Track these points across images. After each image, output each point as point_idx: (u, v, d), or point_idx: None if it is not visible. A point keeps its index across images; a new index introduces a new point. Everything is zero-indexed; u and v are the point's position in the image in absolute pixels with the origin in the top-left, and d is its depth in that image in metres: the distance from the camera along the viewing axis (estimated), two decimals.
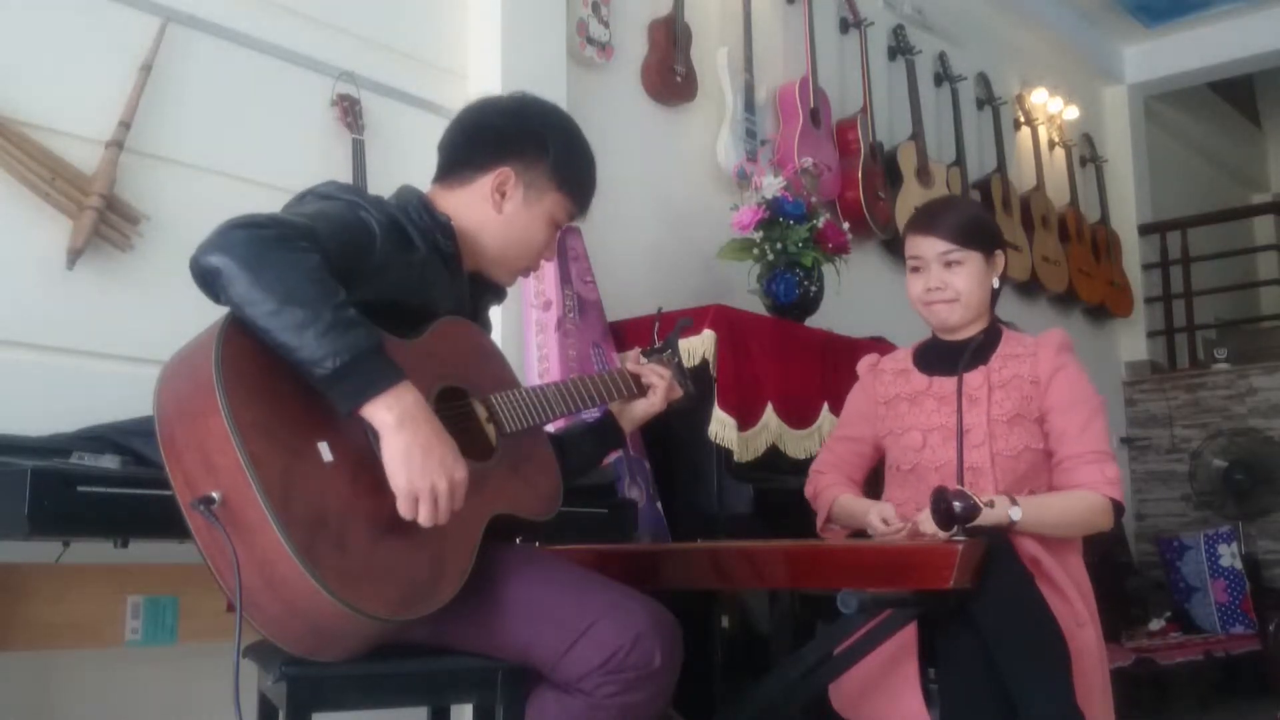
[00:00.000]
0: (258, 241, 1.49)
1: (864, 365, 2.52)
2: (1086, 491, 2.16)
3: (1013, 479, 2.20)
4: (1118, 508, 2.16)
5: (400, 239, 1.72)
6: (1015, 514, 2.03)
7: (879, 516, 2.19)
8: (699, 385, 3.04)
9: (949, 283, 2.30)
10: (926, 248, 2.31)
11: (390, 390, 1.51)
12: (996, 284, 2.35)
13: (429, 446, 1.53)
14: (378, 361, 1.51)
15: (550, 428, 1.97)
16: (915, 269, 2.34)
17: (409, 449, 1.51)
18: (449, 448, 1.56)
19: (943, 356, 2.36)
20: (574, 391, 1.92)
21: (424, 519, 1.53)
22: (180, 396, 1.51)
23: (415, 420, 1.52)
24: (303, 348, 1.47)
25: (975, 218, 2.36)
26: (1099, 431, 2.22)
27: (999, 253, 2.35)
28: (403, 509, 1.52)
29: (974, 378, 2.28)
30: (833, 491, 2.39)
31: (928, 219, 2.34)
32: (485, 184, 1.84)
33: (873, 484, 2.49)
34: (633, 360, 2.08)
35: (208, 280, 1.50)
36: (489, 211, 1.84)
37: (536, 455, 1.86)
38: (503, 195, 1.84)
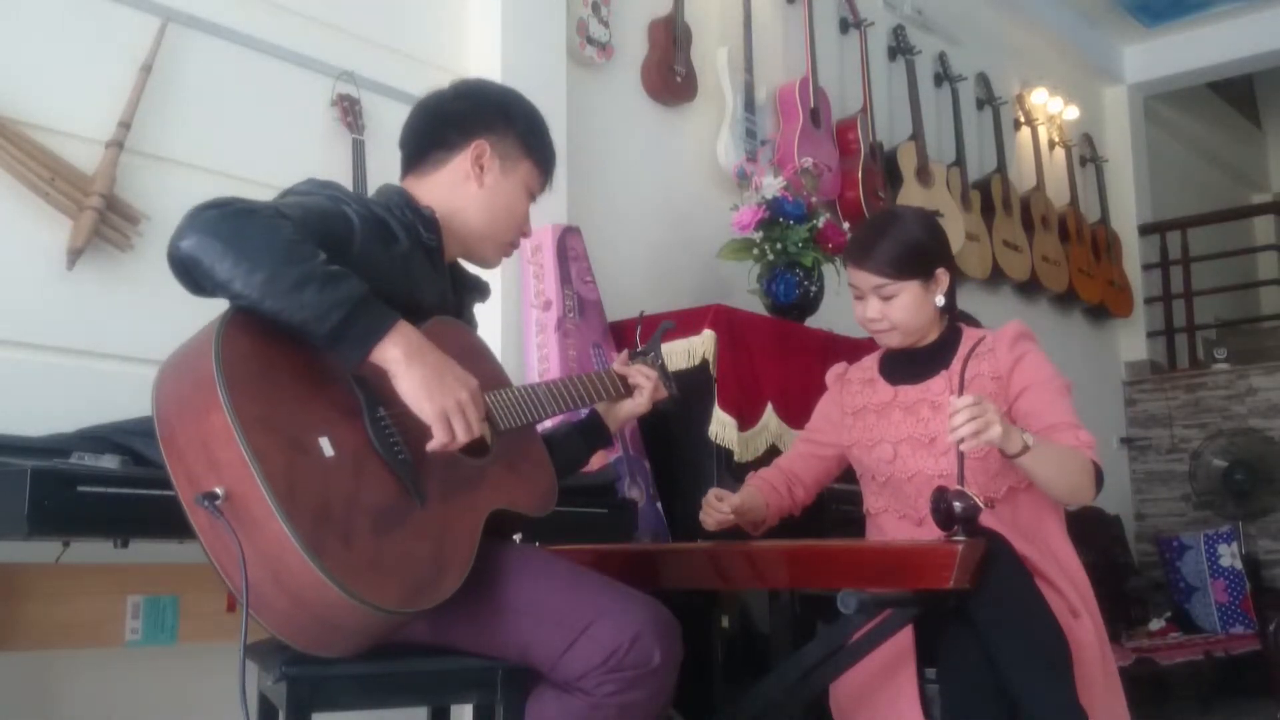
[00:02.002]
0: (230, 217, 1.51)
1: (832, 375, 2.54)
2: (1076, 451, 2.15)
3: (985, 479, 2.19)
4: (1099, 476, 2.15)
5: (382, 233, 1.73)
6: (1030, 439, 2.01)
7: (713, 494, 2.30)
8: (700, 385, 3.06)
9: (885, 314, 2.29)
10: (861, 280, 2.30)
11: (394, 329, 1.55)
12: (940, 301, 2.32)
13: (441, 369, 1.59)
14: (375, 305, 1.55)
15: (540, 427, 1.98)
16: (856, 296, 2.34)
17: (425, 377, 1.56)
18: (455, 365, 1.62)
19: (906, 365, 2.36)
20: (564, 391, 1.94)
21: (461, 435, 1.59)
22: (180, 394, 1.51)
23: (421, 350, 1.58)
24: (303, 308, 1.49)
25: (909, 245, 2.28)
26: (1068, 406, 2.22)
27: (940, 271, 2.31)
28: (438, 434, 1.57)
29: (936, 384, 2.28)
30: (748, 486, 2.43)
31: (861, 250, 2.31)
32: (463, 160, 1.87)
33: (843, 479, 2.54)
34: (620, 362, 2.11)
35: (188, 269, 1.51)
36: (470, 188, 1.87)
37: (531, 452, 1.87)
38: (482, 168, 1.87)
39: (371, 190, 1.91)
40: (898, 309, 2.28)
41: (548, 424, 2.08)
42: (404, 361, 1.55)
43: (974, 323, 2.44)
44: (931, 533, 1.96)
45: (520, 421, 1.82)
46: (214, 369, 1.45)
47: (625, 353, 2.14)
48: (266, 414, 1.48)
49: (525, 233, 1.98)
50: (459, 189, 1.87)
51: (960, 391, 2.01)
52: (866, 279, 2.29)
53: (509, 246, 1.97)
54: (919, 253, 2.29)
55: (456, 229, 1.87)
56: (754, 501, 2.37)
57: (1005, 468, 2.18)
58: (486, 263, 1.97)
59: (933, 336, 2.35)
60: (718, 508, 2.27)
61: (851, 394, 2.43)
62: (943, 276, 2.32)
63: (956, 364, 2.26)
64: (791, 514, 2.49)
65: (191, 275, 1.51)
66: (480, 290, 2.03)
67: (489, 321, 2.10)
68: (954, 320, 2.39)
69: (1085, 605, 2.11)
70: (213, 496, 1.42)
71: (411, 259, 1.77)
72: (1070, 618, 2.03)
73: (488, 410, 1.76)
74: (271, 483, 1.41)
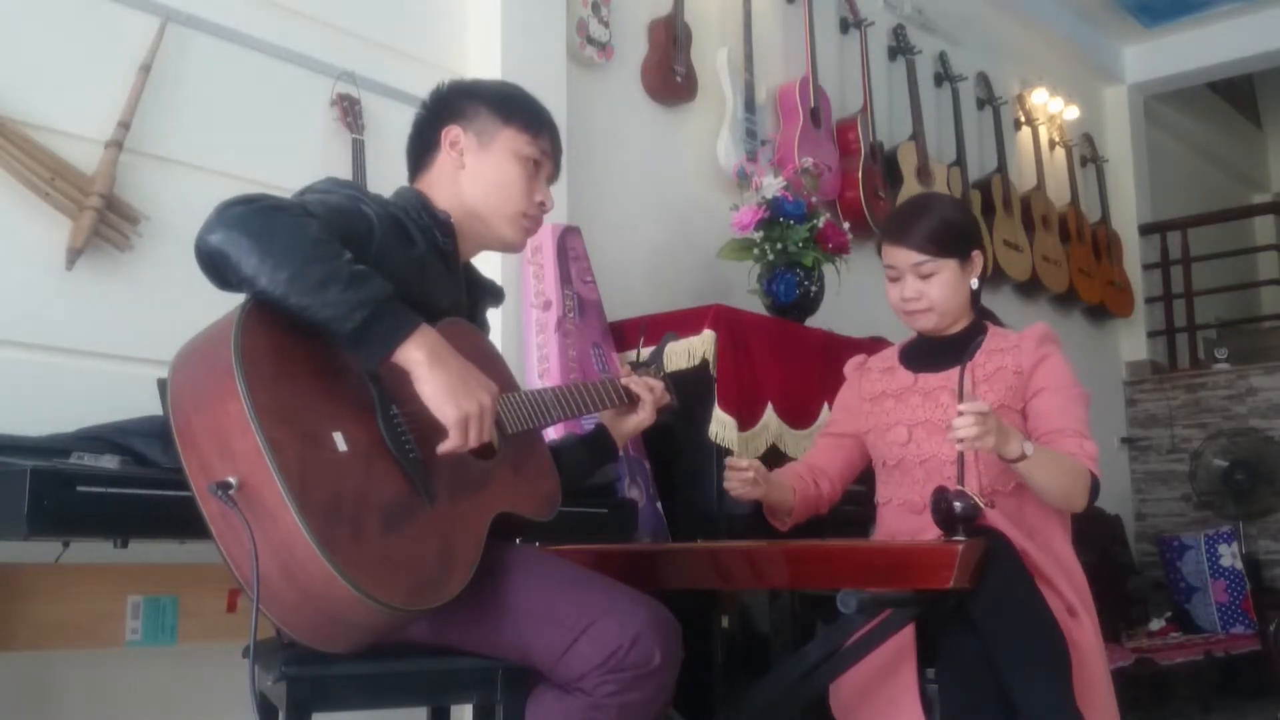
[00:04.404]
0: (258, 213, 1.51)
1: (851, 365, 2.54)
2: (1075, 459, 2.15)
3: (996, 471, 2.20)
4: (1095, 487, 2.16)
5: (400, 234, 1.74)
6: (1029, 448, 2.03)
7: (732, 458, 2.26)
8: (700, 385, 3.06)
9: (924, 293, 2.30)
10: (900, 258, 2.30)
11: (417, 331, 1.56)
12: (975, 284, 2.34)
13: (463, 374, 1.59)
14: (398, 307, 1.56)
15: (548, 436, 1.98)
16: (892, 278, 2.34)
17: (449, 382, 1.57)
18: (475, 369, 1.63)
19: (928, 354, 2.37)
20: (569, 397, 1.95)
21: (474, 440, 1.59)
22: (196, 382, 1.51)
23: (443, 355, 1.58)
24: (327, 306, 1.49)
25: (948, 223, 2.30)
26: (1080, 414, 2.23)
27: (976, 253, 2.34)
28: (455, 438, 1.57)
29: (958, 373, 2.28)
30: (772, 475, 2.40)
31: (899, 228, 2.32)
32: (443, 153, 1.89)
33: (865, 483, 2.51)
34: (623, 374, 2.11)
35: (215, 263, 1.51)
36: (457, 173, 1.88)
37: (536, 457, 1.87)
38: (460, 151, 1.88)
39: (379, 190, 1.91)
40: (936, 287, 2.29)
41: (551, 434, 2.08)
42: (427, 364, 1.55)
43: (998, 321, 2.45)
44: (928, 520, 1.97)
45: (527, 426, 1.83)
46: (233, 358, 1.45)
47: (628, 365, 2.15)
48: (283, 406, 1.48)
49: (543, 202, 1.92)
50: (451, 180, 1.88)
51: (962, 394, 2.02)
52: (906, 256, 2.29)
53: (522, 218, 1.91)
54: (957, 232, 2.31)
55: (463, 220, 1.88)
56: (778, 482, 2.34)
57: None
58: (506, 242, 1.94)
59: (960, 325, 2.36)
60: (737, 464, 2.24)
61: (871, 381, 2.44)
62: (978, 259, 2.34)
63: (982, 357, 2.29)
64: (819, 510, 2.45)
65: (218, 269, 1.52)
66: (494, 294, 2.03)
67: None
68: (979, 314, 2.40)
69: (1084, 607, 2.11)
70: (226, 486, 1.42)
71: (427, 262, 1.78)
72: (1068, 617, 2.03)
73: (496, 414, 1.76)
74: (286, 474, 1.42)
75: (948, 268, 2.29)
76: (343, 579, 1.42)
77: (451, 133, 1.88)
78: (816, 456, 2.50)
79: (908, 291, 2.31)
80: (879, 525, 2.40)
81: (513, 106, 1.91)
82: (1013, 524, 2.08)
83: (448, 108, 1.91)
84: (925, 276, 2.29)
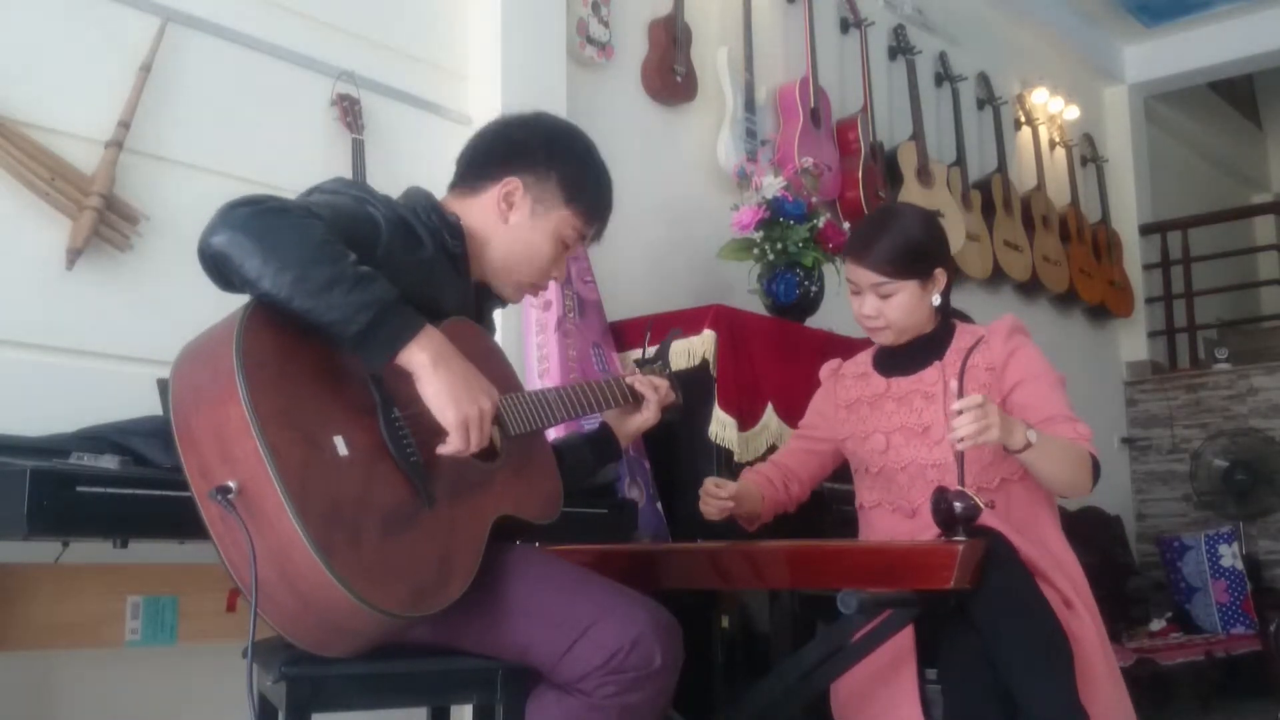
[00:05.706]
0: (262, 214, 1.50)
1: (826, 370, 2.55)
2: (1074, 443, 2.15)
3: (979, 468, 2.20)
4: (1096, 468, 2.16)
5: (407, 236, 1.73)
6: (1033, 436, 2.02)
7: (711, 483, 2.28)
8: (700, 385, 3.06)
9: (881, 311, 2.30)
10: (859, 276, 2.30)
11: (421, 333, 1.56)
12: (937, 301, 2.33)
13: (466, 376, 1.59)
14: (402, 309, 1.55)
15: (551, 434, 1.97)
16: (853, 291, 2.35)
17: (451, 384, 1.57)
18: (477, 372, 1.63)
19: (899, 357, 2.37)
20: (573, 397, 1.94)
21: (475, 444, 1.59)
22: (198, 385, 1.50)
23: (447, 357, 1.58)
24: (331, 308, 1.49)
25: (908, 244, 2.28)
26: (1063, 398, 2.23)
27: (939, 272, 2.32)
28: (455, 441, 1.58)
29: (929, 374, 2.29)
30: (743, 479, 2.42)
31: (861, 247, 2.31)
32: (494, 193, 1.85)
33: (843, 479, 2.53)
34: (628, 373, 2.11)
35: (219, 265, 1.51)
36: (496, 222, 1.86)
37: (538, 458, 1.87)
38: (510, 206, 1.85)
39: (379, 190, 1.90)
40: (894, 307, 2.29)
41: (553, 433, 2.07)
42: (430, 366, 1.55)
43: (967, 319, 2.45)
44: (921, 524, 1.97)
45: (530, 427, 1.82)
46: (234, 361, 1.45)
47: (633, 364, 2.14)
48: (284, 409, 1.47)
49: (556, 277, 1.93)
50: (485, 220, 1.86)
51: (961, 390, 2.02)
52: (865, 276, 2.29)
53: (531, 288, 1.93)
54: (919, 253, 2.29)
55: (478, 255, 1.86)
56: (748, 492, 2.37)
57: (999, 459, 2.19)
58: (503, 297, 1.95)
59: (926, 331, 2.36)
60: (717, 494, 2.27)
61: (845, 388, 2.44)
62: (940, 277, 2.33)
63: (952, 356, 2.27)
64: (786, 510, 2.48)
65: (221, 272, 1.52)
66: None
67: None
68: (948, 316, 2.39)
69: (1080, 597, 2.10)
70: (225, 490, 1.42)
71: (435, 264, 1.77)
72: (1064, 610, 2.03)
73: (499, 414, 1.76)
74: (285, 479, 1.41)
75: (906, 289, 2.28)
76: (340, 586, 1.41)
77: (510, 184, 1.85)
78: (790, 458, 2.51)
79: (866, 309, 2.32)
80: (868, 527, 2.39)
81: (583, 192, 1.90)
82: (1002, 521, 2.08)
83: (523, 152, 1.87)
84: (884, 296, 2.29)
